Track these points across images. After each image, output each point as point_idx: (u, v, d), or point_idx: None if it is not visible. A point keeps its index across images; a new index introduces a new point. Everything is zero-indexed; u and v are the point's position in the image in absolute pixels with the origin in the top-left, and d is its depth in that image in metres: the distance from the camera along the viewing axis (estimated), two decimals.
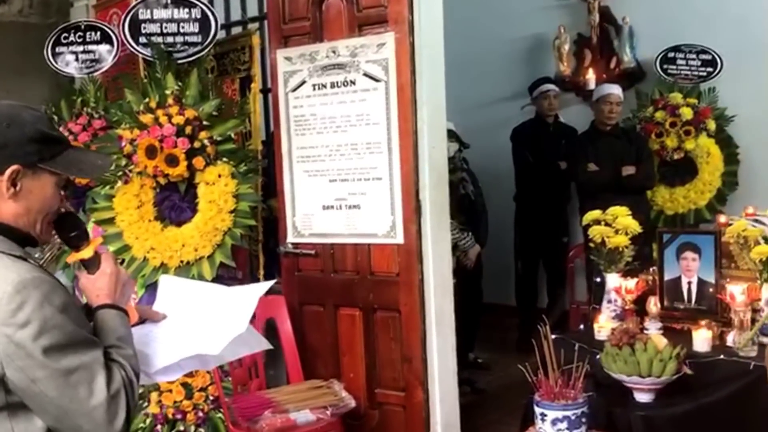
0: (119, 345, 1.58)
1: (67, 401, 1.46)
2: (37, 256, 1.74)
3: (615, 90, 5.19)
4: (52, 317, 1.45)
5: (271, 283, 2.08)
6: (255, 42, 3.98)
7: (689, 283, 3.33)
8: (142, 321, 1.79)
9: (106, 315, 1.61)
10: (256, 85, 3.99)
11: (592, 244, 3.49)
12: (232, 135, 3.59)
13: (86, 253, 1.67)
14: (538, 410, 2.59)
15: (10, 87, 4.41)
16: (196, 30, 3.67)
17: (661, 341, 2.81)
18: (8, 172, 1.53)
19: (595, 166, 5.07)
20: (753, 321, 3.00)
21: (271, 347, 2.10)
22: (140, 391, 3.31)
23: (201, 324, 1.78)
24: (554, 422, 2.54)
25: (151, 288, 3.48)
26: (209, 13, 3.70)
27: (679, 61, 5.39)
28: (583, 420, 2.56)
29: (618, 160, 5.01)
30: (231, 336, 1.72)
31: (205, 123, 3.48)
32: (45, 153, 1.57)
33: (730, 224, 3.36)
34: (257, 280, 4.06)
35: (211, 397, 3.45)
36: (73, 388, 1.46)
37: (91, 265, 1.67)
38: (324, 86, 3.63)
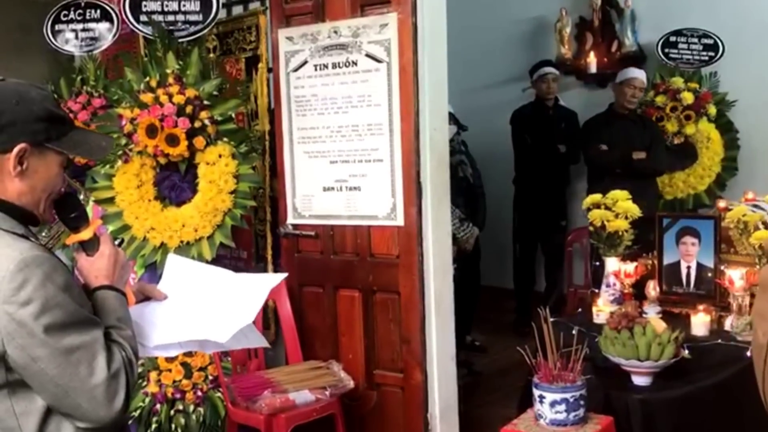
0: (119, 326, 1.59)
1: (67, 380, 1.46)
2: (43, 234, 1.74)
3: (639, 75, 5.17)
4: (54, 296, 1.45)
5: (283, 276, 2.07)
6: (263, 22, 3.95)
7: (688, 267, 3.34)
8: (145, 299, 1.79)
9: (106, 296, 1.62)
10: (264, 65, 3.96)
11: (592, 228, 3.50)
12: (233, 115, 3.58)
13: (85, 234, 1.67)
14: (536, 392, 2.60)
15: (9, 64, 4.38)
16: (197, 8, 3.65)
17: (660, 325, 2.82)
18: (15, 150, 1.52)
19: (605, 146, 5.08)
20: (751, 306, 3.01)
21: (268, 346, 2.12)
22: (139, 370, 3.33)
23: (209, 309, 1.78)
24: (552, 404, 2.56)
25: (151, 268, 3.49)
26: None
27: (681, 45, 5.38)
28: (581, 402, 2.57)
29: (630, 144, 5.02)
30: (240, 325, 1.71)
31: (205, 102, 3.47)
32: (52, 132, 1.57)
33: (730, 209, 3.36)
34: (263, 261, 4.07)
35: (210, 377, 3.47)
36: (74, 367, 1.46)
37: (89, 246, 1.67)
38: (325, 66, 3.61)
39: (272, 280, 1.87)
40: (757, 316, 0.92)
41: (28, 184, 1.55)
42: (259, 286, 1.82)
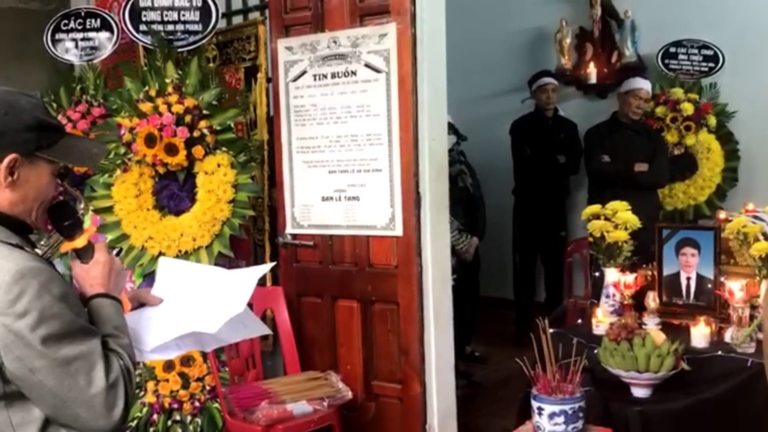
0: (116, 334, 1.58)
1: (66, 391, 1.45)
2: (42, 243, 1.74)
3: (645, 85, 5.15)
4: (50, 306, 1.45)
5: (270, 265, 2.08)
6: (262, 31, 3.95)
7: (688, 278, 3.33)
8: (140, 305, 1.79)
9: (101, 304, 1.61)
10: (263, 75, 3.96)
11: (591, 238, 3.49)
12: (232, 124, 3.58)
13: (80, 242, 1.67)
14: (535, 404, 2.58)
15: (9, 73, 4.40)
16: (197, 18, 3.66)
17: (659, 337, 2.81)
18: (6, 160, 1.51)
19: (607, 158, 5.06)
20: (751, 317, 3.00)
21: (270, 332, 2.09)
22: (137, 380, 3.32)
23: (198, 304, 1.78)
24: (551, 416, 2.53)
25: (149, 277, 3.47)
26: (210, 2, 3.69)
27: (681, 56, 5.39)
28: (580, 414, 2.55)
29: (633, 155, 5.00)
30: (229, 315, 1.72)
31: (204, 112, 3.47)
32: (42, 141, 1.56)
33: (730, 220, 3.35)
34: None
35: (207, 387, 3.45)
36: (72, 377, 1.45)
37: (84, 254, 1.67)
38: (325, 76, 3.61)
39: (260, 270, 1.88)
40: (767, 318, 0.92)
41: (20, 193, 1.55)
42: (247, 277, 1.82)
